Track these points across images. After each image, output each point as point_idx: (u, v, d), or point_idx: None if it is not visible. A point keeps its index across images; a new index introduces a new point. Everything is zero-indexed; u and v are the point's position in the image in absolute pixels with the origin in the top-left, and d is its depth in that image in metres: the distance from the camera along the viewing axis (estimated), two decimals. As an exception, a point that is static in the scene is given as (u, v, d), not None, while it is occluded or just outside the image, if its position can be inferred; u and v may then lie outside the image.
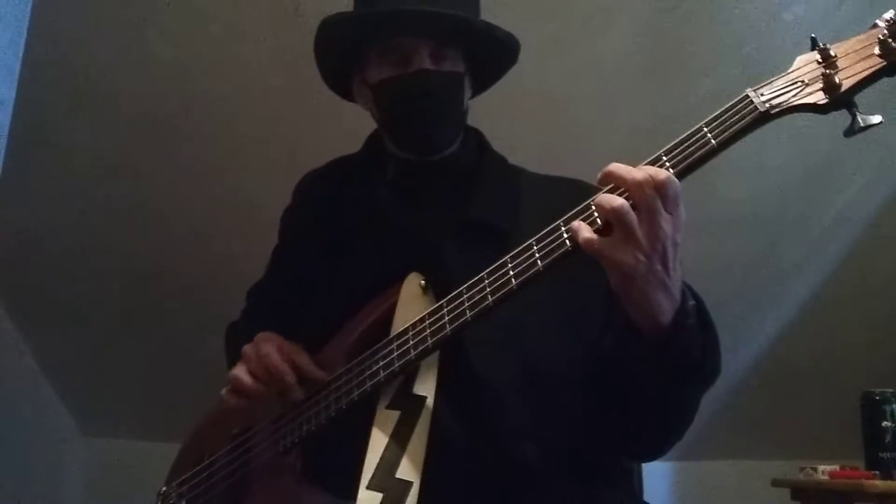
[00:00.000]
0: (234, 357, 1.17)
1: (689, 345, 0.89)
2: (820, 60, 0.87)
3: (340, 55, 1.18)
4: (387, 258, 1.11)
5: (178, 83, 2.11)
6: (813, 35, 0.89)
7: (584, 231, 0.86)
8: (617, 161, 0.86)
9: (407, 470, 0.94)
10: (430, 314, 0.99)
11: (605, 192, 0.87)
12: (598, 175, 0.88)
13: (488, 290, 0.93)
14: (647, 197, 0.83)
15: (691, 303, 0.90)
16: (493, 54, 1.18)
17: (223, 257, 2.37)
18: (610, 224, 0.85)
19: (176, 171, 2.29)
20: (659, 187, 0.83)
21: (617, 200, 0.84)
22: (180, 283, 2.50)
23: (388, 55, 1.12)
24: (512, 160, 1.23)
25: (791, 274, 2.60)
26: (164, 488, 1.22)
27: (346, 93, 1.25)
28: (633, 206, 0.84)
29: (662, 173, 0.84)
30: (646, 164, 0.87)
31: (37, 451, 2.76)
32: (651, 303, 0.86)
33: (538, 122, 2.15)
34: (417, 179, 1.17)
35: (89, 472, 2.94)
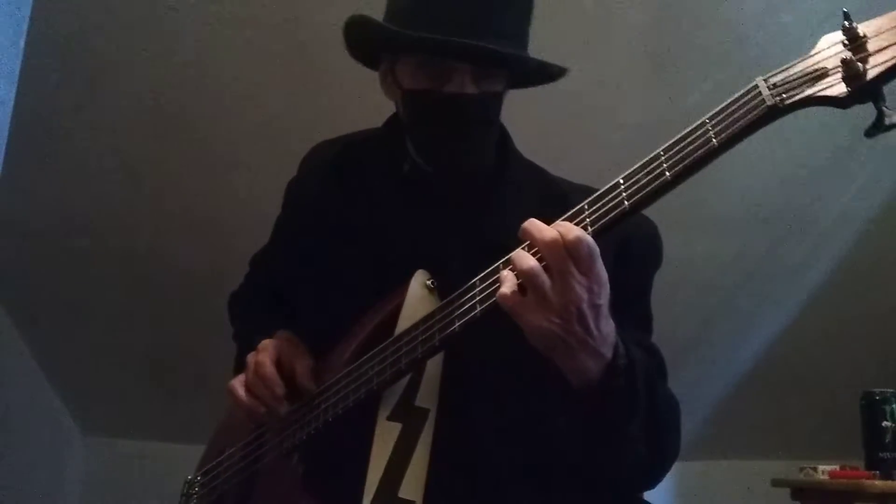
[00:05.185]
0: (243, 341, 1.19)
1: (614, 405, 0.85)
2: (846, 42, 0.72)
3: (369, 46, 1.08)
4: (389, 258, 1.07)
5: (178, 83, 2.11)
6: (845, 10, 0.74)
7: (506, 285, 0.81)
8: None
9: (409, 489, 0.92)
10: (439, 310, 0.95)
11: (524, 247, 0.83)
12: (519, 230, 0.83)
13: (492, 289, 0.89)
14: (557, 258, 0.78)
15: (622, 362, 0.84)
16: (537, 79, 1.08)
17: (224, 256, 2.36)
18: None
19: (176, 170, 2.29)
20: (570, 247, 0.78)
21: (528, 262, 0.79)
22: (180, 283, 2.49)
23: (425, 66, 1.00)
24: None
25: (792, 273, 2.60)
26: (189, 476, 1.23)
27: (372, 64, 1.12)
28: (546, 268, 0.79)
29: (574, 232, 0.78)
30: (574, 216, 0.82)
31: (37, 451, 2.76)
32: (575, 362, 0.82)
33: (538, 121, 2.14)
34: (433, 182, 1.09)
35: (89, 472, 2.94)
